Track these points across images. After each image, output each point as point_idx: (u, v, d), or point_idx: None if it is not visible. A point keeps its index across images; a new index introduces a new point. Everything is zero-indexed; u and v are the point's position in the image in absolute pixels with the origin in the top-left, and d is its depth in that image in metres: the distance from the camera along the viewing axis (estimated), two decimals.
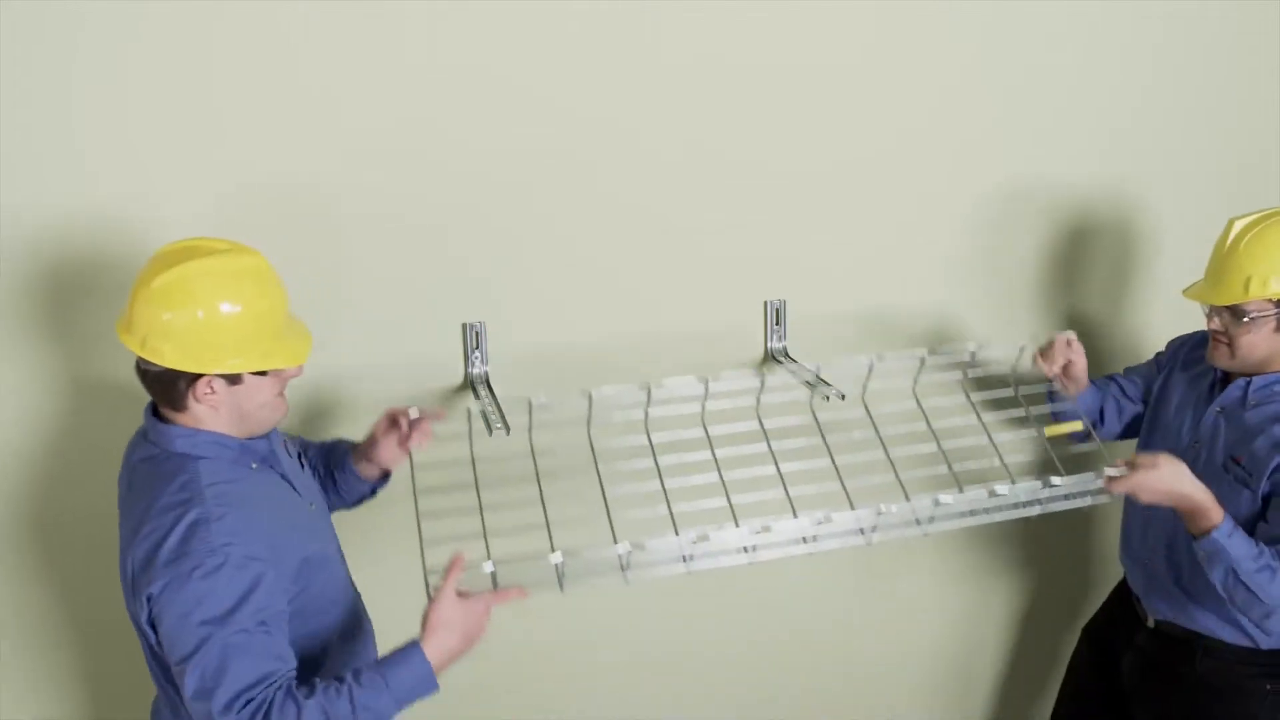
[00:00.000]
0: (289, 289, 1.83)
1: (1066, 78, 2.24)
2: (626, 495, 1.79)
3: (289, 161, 1.83)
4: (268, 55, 1.77)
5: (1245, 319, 1.86)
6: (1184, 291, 1.97)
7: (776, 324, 2.14)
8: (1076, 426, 2.01)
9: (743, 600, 2.38)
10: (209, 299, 1.40)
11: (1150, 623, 2.09)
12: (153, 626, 1.40)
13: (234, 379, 1.44)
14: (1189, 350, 2.10)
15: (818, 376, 2.01)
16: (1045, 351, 2.04)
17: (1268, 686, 1.98)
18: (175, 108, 1.75)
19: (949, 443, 1.96)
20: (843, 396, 1.97)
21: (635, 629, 2.32)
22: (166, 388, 1.44)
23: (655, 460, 1.85)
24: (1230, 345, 1.89)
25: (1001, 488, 1.81)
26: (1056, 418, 2.13)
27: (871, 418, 1.98)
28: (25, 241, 1.74)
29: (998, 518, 1.87)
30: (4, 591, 1.91)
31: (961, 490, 1.81)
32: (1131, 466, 1.78)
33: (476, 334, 1.98)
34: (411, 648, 1.43)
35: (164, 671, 1.48)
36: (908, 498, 1.81)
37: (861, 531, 1.80)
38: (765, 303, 2.13)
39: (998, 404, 2.14)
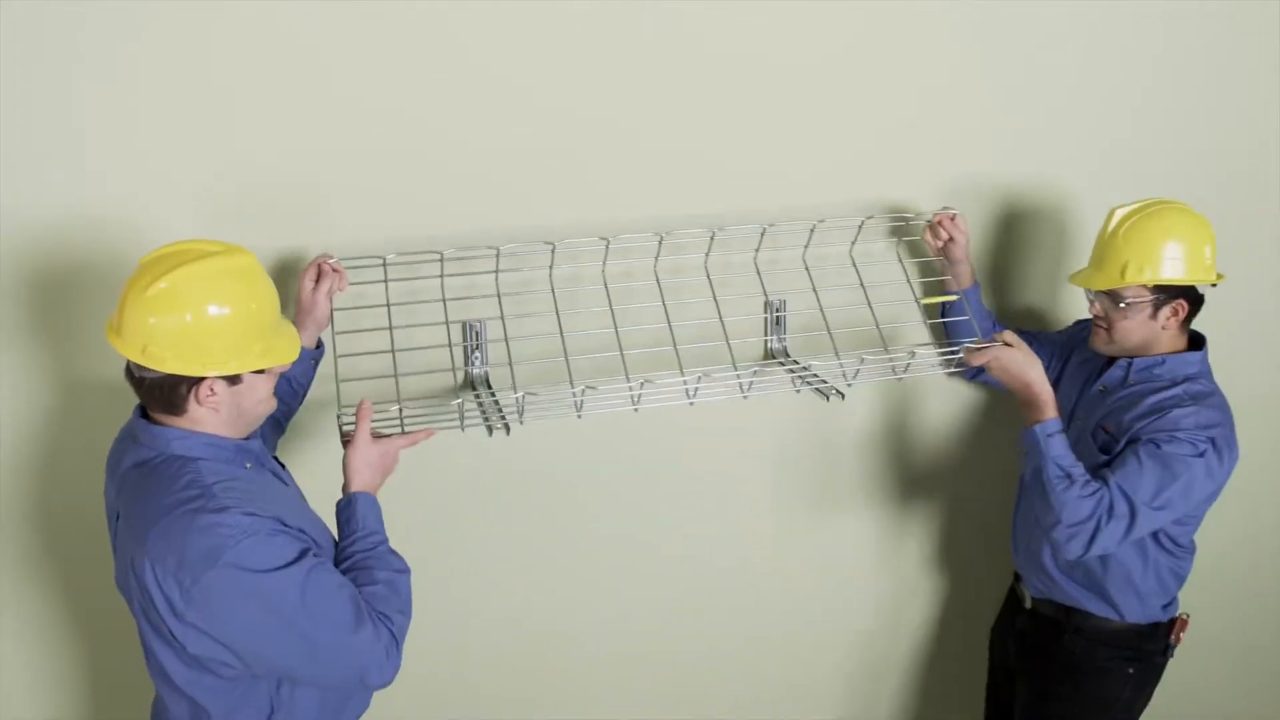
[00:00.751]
0: (290, 287, 1.84)
1: (1066, 78, 2.24)
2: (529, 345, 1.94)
3: (289, 162, 1.83)
4: (268, 56, 1.77)
5: (1122, 304, 1.94)
6: (1070, 277, 2.05)
7: (776, 324, 2.15)
8: (952, 298, 2.14)
9: (736, 597, 2.39)
10: (205, 302, 1.40)
11: (1028, 603, 2.17)
12: (179, 622, 1.40)
13: (234, 379, 1.45)
14: (1084, 334, 2.17)
15: (807, 369, 2.05)
16: (931, 226, 2.12)
17: (1129, 670, 2.08)
18: (175, 108, 1.75)
19: (838, 310, 2.08)
20: (842, 396, 2.00)
21: (625, 622, 2.33)
22: (167, 393, 1.44)
23: (556, 311, 1.95)
24: (1109, 330, 1.98)
25: (870, 355, 1.99)
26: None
27: (762, 282, 2.08)
28: (25, 241, 1.74)
29: (865, 381, 2.08)
30: (4, 591, 1.92)
31: (838, 356, 1.98)
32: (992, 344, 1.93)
33: (476, 334, 1.98)
34: (354, 500, 1.60)
35: (164, 674, 1.48)
36: (781, 363, 2.08)
37: (688, 393, 1.93)
38: (765, 303, 2.14)
39: (884, 273, 2.22)
